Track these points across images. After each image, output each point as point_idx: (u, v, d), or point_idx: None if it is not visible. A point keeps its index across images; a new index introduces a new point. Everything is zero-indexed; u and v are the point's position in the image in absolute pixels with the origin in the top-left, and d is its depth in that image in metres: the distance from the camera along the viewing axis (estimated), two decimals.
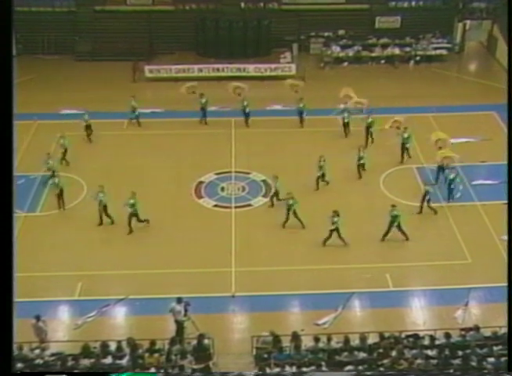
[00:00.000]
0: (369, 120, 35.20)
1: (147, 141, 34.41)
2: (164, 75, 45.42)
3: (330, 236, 28.09)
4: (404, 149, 33.89)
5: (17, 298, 24.96)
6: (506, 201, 16.70)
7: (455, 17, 50.25)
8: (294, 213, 28.96)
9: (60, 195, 30.92)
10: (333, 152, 33.45)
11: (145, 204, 29.77)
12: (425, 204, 30.10)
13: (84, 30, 49.76)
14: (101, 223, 29.65)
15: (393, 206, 28.23)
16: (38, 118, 38.24)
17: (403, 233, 28.32)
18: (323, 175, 31.89)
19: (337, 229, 27.95)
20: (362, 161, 32.64)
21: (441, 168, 32.04)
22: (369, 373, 19.60)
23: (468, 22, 50.55)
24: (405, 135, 33.73)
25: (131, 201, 28.71)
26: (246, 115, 37.74)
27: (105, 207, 29.52)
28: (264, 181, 32.54)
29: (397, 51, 48.76)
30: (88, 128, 35.83)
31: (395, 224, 28.15)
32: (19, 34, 48.82)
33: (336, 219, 27.72)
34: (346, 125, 36.61)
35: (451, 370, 19.82)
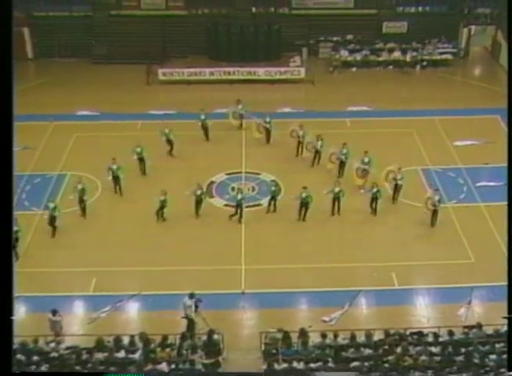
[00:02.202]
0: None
1: (160, 142, 34.39)
2: (177, 78, 45.47)
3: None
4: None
5: (34, 292, 25.37)
6: (506, 202, 16.73)
7: (460, 23, 50.10)
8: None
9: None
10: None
11: (158, 203, 30.00)
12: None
13: (100, 33, 49.85)
14: None
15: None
16: (54, 119, 38.32)
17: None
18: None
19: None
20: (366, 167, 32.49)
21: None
22: (373, 373, 19.58)
23: (473, 27, 50.41)
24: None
25: (162, 198, 29.39)
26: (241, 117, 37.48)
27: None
28: (273, 181, 32.52)
29: (407, 56, 48.62)
30: None
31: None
32: (36, 37, 49.21)
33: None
34: None
35: (454, 367, 19.83)
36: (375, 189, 29.94)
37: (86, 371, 19.95)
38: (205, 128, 36.26)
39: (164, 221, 30.01)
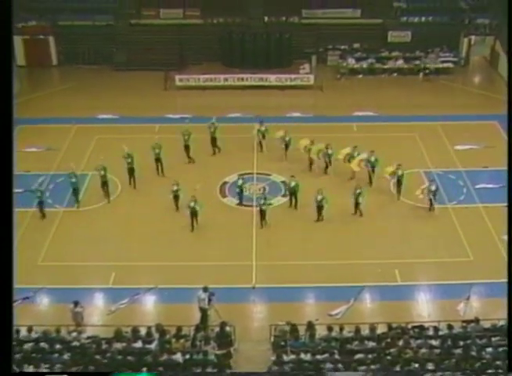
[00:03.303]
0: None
1: (176, 144, 34.42)
2: (193, 84, 45.48)
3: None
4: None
5: (57, 285, 25.46)
6: (506, 204, 16.69)
7: (461, 33, 49.92)
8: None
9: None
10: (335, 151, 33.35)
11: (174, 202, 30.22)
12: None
13: (120, 42, 49.93)
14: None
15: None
16: (77, 122, 38.44)
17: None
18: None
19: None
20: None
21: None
22: (384, 373, 19.56)
23: (473, 37, 50.20)
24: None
25: (175, 188, 29.83)
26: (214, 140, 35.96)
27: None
28: (283, 182, 32.52)
29: (410, 64, 48.67)
30: None
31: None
32: (61, 45, 49.38)
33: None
34: None
35: (453, 359, 19.79)
36: (358, 191, 29.86)
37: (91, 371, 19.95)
38: (213, 139, 35.58)
39: (177, 210, 30.32)
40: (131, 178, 32.56)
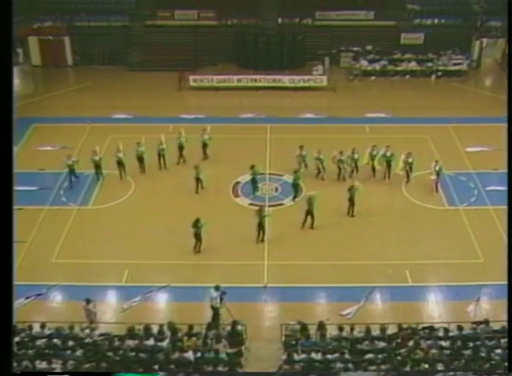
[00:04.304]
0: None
1: (190, 144, 34.43)
2: (207, 84, 45.54)
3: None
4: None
5: (71, 282, 25.53)
6: (506, 206, 16.61)
7: (473, 35, 49.83)
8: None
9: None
10: (360, 156, 33.17)
11: (187, 201, 30.45)
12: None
13: (136, 42, 50.15)
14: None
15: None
16: (92, 121, 38.52)
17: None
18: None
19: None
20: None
21: None
22: (394, 373, 19.48)
23: (485, 40, 50.06)
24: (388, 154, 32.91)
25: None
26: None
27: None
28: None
29: (423, 66, 48.66)
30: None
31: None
32: (77, 46, 49.60)
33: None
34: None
35: (462, 360, 19.71)
36: (353, 189, 29.84)
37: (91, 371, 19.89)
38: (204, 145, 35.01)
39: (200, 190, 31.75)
40: (141, 165, 33.59)
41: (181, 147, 34.20)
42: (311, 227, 29.20)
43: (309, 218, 29.14)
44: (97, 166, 32.84)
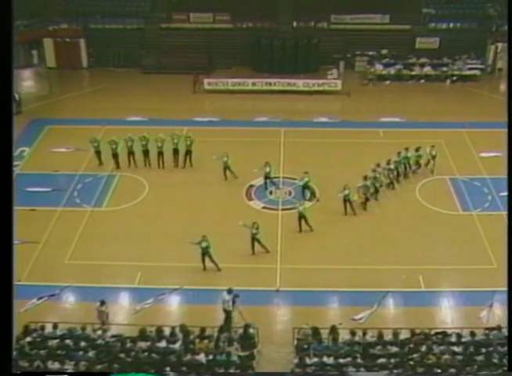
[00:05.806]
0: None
1: (204, 146, 34.50)
2: (221, 87, 45.60)
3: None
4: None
5: (84, 283, 25.59)
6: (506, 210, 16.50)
7: (488, 40, 49.69)
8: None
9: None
10: (374, 161, 33.01)
11: (200, 204, 30.67)
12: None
13: (150, 45, 50.31)
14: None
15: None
16: (106, 123, 38.62)
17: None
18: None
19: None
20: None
21: None
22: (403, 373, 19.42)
23: (500, 44, 49.80)
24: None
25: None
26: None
27: None
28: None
29: (438, 71, 48.60)
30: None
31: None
32: (92, 48, 49.85)
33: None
34: None
35: (475, 366, 19.62)
36: (346, 191, 29.90)
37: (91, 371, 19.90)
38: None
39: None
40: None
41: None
42: (311, 230, 29.29)
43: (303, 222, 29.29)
44: (115, 155, 34.22)
